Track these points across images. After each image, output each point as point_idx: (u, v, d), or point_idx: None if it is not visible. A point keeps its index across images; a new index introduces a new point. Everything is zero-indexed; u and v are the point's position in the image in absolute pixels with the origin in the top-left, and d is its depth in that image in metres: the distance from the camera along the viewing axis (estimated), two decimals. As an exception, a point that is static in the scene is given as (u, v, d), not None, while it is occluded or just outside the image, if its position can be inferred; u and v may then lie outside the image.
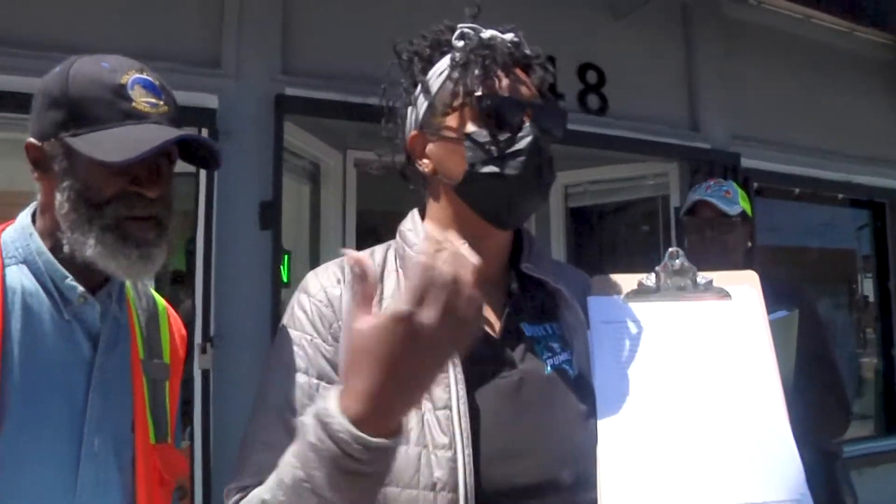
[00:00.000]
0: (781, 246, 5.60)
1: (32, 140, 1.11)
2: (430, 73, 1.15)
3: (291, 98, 3.34)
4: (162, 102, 1.12)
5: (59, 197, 1.09)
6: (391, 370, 0.77)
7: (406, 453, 0.98)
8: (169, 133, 1.07)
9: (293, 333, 1.10)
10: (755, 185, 4.71)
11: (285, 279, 3.96)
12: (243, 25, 3.34)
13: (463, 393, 1.02)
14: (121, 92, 1.09)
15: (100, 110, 1.07)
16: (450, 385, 1.02)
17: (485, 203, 1.11)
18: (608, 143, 4.12)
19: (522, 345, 1.12)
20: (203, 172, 3.20)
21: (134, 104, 1.09)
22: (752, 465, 0.96)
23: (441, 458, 0.99)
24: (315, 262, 4.20)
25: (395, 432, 0.81)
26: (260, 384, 1.11)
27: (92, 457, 1.10)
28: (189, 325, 3.32)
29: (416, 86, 1.17)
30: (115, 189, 1.08)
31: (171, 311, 1.36)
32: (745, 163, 4.61)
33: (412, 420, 1.00)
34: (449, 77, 1.12)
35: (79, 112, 1.07)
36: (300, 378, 1.06)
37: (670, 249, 1.15)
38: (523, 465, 1.02)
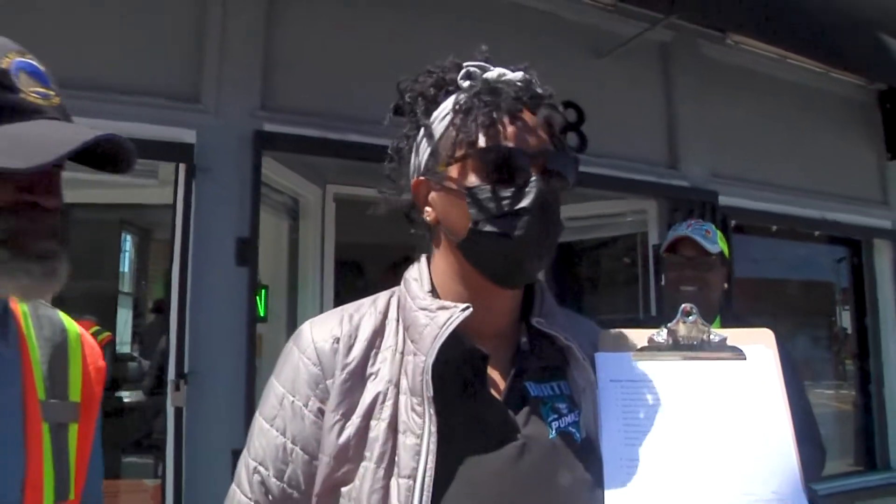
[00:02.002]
0: (760, 279, 5.64)
1: None
2: (434, 115, 1.08)
3: (270, 134, 3.34)
4: (53, 93, 0.94)
5: None
6: None
7: None
8: (83, 132, 0.88)
9: (277, 389, 1.08)
10: (733, 222, 4.75)
11: (262, 313, 3.93)
12: (223, 61, 3.35)
13: (431, 464, 0.96)
14: (3, 80, 0.89)
15: None
16: (419, 454, 0.97)
17: (488, 263, 1.04)
18: (588, 181, 4.13)
19: (527, 407, 1.05)
20: (180, 205, 3.19)
21: (22, 95, 0.90)
22: None
23: None
24: (293, 295, 4.18)
25: None
26: (250, 428, 1.09)
27: None
28: (164, 360, 3.30)
29: (419, 128, 1.10)
30: (5, 199, 0.88)
31: (87, 338, 1.14)
32: (724, 200, 4.65)
33: (376, 482, 0.97)
34: (451, 123, 1.05)
35: None
36: (278, 439, 1.05)
37: (683, 305, 1.09)
38: None
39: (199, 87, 3.32)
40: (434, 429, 0.97)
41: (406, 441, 0.98)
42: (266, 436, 1.06)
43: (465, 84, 1.07)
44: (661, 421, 1.02)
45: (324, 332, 1.08)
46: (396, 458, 0.98)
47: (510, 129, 1.02)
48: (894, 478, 5.46)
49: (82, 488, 1.05)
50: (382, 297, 1.14)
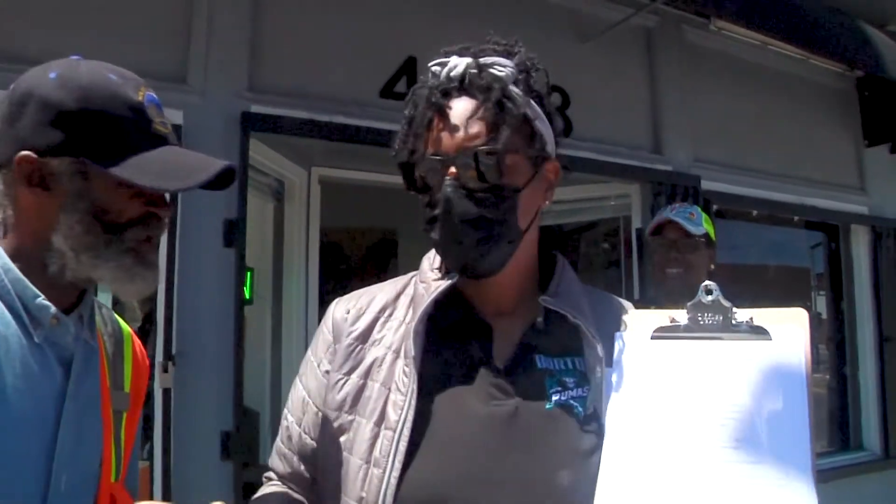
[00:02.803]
0: (740, 264, 5.71)
1: (29, 154, 1.00)
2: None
3: (257, 115, 3.33)
4: (167, 121, 1.08)
5: (66, 217, 1.01)
6: None
7: (352, 463, 1.07)
8: (215, 163, 1.04)
9: (308, 353, 1.25)
10: (715, 206, 4.80)
11: (248, 296, 3.93)
12: (211, 42, 3.33)
13: (411, 416, 1.04)
14: (140, 111, 1.03)
15: (126, 131, 1.01)
16: (403, 408, 1.06)
17: (443, 259, 1.16)
18: (571, 165, 4.14)
19: (530, 377, 1.09)
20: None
21: (154, 125, 1.04)
22: None
23: (373, 476, 1.04)
24: (278, 279, 4.18)
25: None
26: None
27: (59, 496, 1.01)
28: (151, 342, 3.29)
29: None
30: (136, 212, 1.03)
31: (136, 338, 1.29)
32: (706, 185, 4.70)
33: (366, 433, 1.07)
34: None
35: (100, 131, 1.00)
36: (300, 392, 1.22)
37: (704, 284, 1.06)
38: (480, 491, 1.01)
39: (186, 68, 3.30)
40: (416, 388, 1.06)
41: (394, 398, 1.08)
42: (295, 389, 1.24)
43: (429, 82, 1.13)
44: (671, 400, 1.00)
45: (342, 306, 1.23)
46: (386, 414, 1.07)
47: (435, 133, 1.08)
48: (867, 457, 5.59)
49: (126, 471, 1.18)
50: (407, 276, 1.25)
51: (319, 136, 3.46)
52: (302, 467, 1.20)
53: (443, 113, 1.08)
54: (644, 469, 0.97)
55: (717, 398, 0.99)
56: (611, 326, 1.13)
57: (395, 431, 1.04)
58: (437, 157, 1.07)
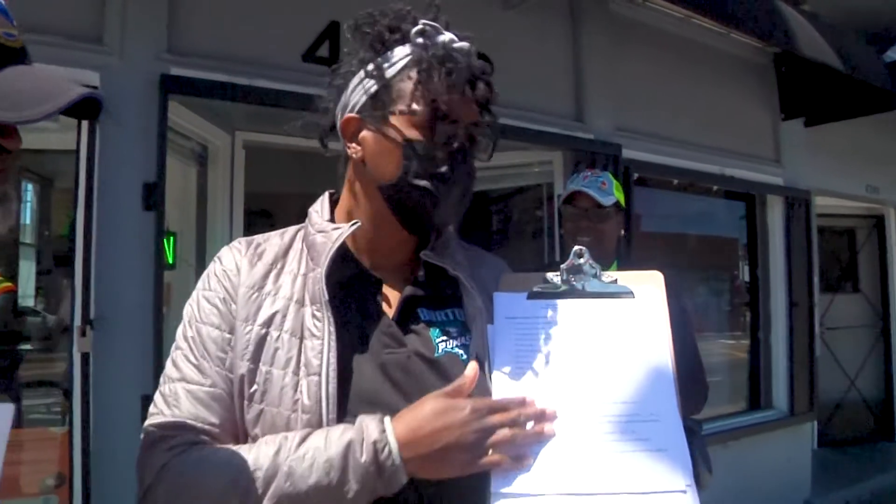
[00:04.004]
0: (665, 233, 5.88)
1: None
2: (386, 58, 1.15)
3: (176, 78, 3.28)
4: (17, 33, 0.88)
5: None
6: (440, 428, 1.00)
7: (279, 414, 1.07)
8: (70, 90, 0.86)
9: (207, 294, 1.18)
10: (635, 175, 4.93)
11: (171, 261, 3.91)
12: (128, 1, 3.25)
13: (333, 360, 1.07)
14: None
15: None
16: (322, 352, 1.08)
17: (406, 211, 1.16)
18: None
19: (416, 328, 1.17)
20: (84, 150, 3.12)
21: None
22: (641, 457, 1.01)
23: (305, 423, 1.06)
24: (202, 243, 4.15)
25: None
26: (177, 338, 1.18)
27: None
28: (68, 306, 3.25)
29: (366, 63, 1.16)
30: None
31: None
32: (627, 153, 4.81)
33: (287, 382, 1.08)
34: (407, 74, 1.13)
35: None
36: (213, 332, 1.14)
37: (575, 248, 1.16)
38: None
39: (102, 28, 3.21)
40: (332, 329, 1.09)
41: (310, 344, 1.10)
42: (200, 335, 1.18)
43: (420, 41, 1.14)
44: (551, 353, 1.10)
45: (238, 250, 1.22)
46: (302, 360, 1.09)
47: (457, 98, 1.11)
48: (775, 415, 5.87)
49: None
50: (291, 229, 1.27)
51: (241, 100, 3.42)
52: (226, 415, 1.11)
53: (462, 84, 1.12)
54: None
55: (593, 351, 1.10)
56: (488, 282, 1.22)
57: (319, 375, 1.07)
58: (465, 122, 1.13)
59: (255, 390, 1.09)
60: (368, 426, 1.02)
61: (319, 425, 1.05)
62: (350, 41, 1.20)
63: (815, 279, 6.31)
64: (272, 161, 4.40)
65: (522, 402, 1.03)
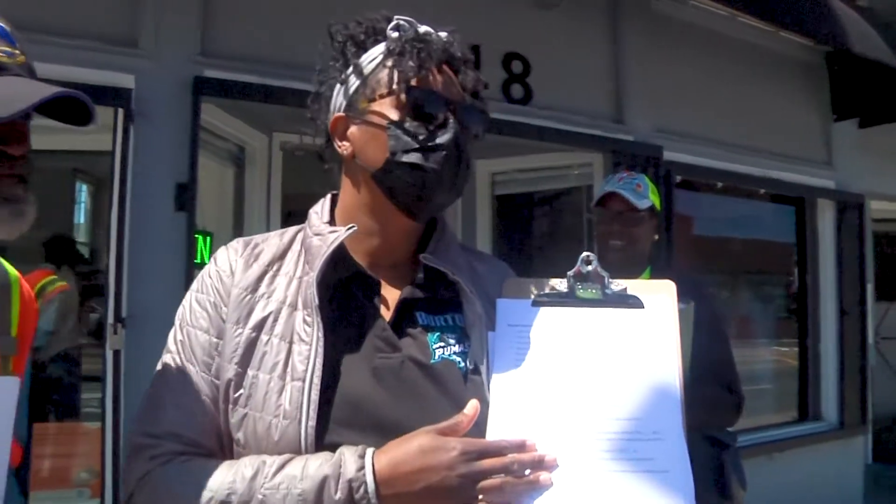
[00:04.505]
0: (711, 237, 5.75)
1: None
2: (363, 57, 1.16)
3: (210, 80, 3.32)
4: (18, 52, 0.99)
5: None
6: (423, 468, 0.97)
7: (261, 419, 1.06)
8: (44, 89, 0.94)
9: (199, 297, 1.16)
10: (677, 177, 4.82)
11: (205, 259, 3.95)
12: (162, 5, 3.30)
13: (319, 366, 1.05)
14: None
15: None
16: (308, 357, 1.06)
17: (400, 193, 1.12)
18: (533, 133, 4.17)
19: (413, 332, 1.14)
20: (118, 151, 3.19)
21: None
22: (642, 479, 0.98)
23: (284, 428, 1.04)
24: (239, 244, 4.19)
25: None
26: (168, 340, 1.17)
27: None
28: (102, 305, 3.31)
29: (347, 67, 1.17)
30: None
31: (24, 282, 1.24)
32: (668, 155, 4.72)
33: (272, 387, 1.06)
34: (383, 64, 1.13)
35: None
36: (202, 336, 1.13)
37: (583, 254, 1.13)
38: (374, 439, 1.03)
39: (138, 31, 3.27)
40: (321, 335, 1.07)
41: (298, 349, 1.08)
42: (190, 339, 1.17)
43: (395, 35, 1.14)
44: (552, 364, 1.06)
45: (234, 251, 1.20)
46: (289, 365, 1.07)
47: (436, 76, 1.12)
48: (824, 427, 5.69)
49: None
50: (291, 230, 1.24)
51: (272, 101, 3.45)
52: (209, 422, 1.11)
53: (440, 65, 1.14)
54: (529, 432, 1.02)
55: (596, 363, 1.06)
56: (491, 286, 1.19)
57: (303, 381, 1.05)
58: (447, 98, 1.13)
59: (241, 394, 1.08)
60: (347, 461, 0.99)
61: (298, 433, 1.03)
62: (329, 49, 1.20)
63: (869, 286, 6.09)
64: (309, 162, 4.43)
65: (520, 446, 0.99)
